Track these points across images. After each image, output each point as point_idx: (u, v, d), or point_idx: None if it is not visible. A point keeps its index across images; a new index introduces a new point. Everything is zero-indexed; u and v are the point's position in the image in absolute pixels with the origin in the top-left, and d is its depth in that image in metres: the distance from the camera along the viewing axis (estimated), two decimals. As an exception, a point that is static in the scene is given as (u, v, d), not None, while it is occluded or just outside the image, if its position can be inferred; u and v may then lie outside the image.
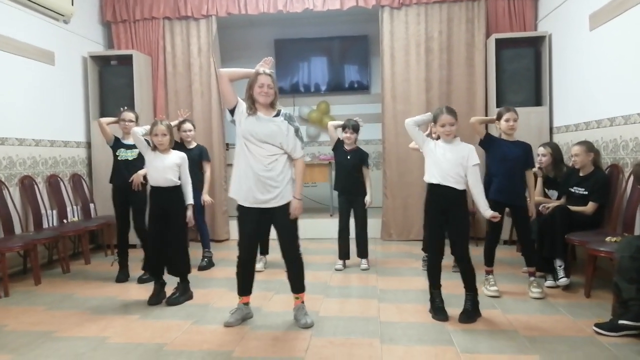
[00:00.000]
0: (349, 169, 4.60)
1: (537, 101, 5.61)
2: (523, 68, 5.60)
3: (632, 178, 3.71)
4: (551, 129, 5.51)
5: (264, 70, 3.08)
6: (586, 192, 4.02)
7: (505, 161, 3.65)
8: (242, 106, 3.12)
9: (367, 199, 4.58)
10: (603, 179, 4.03)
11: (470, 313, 3.24)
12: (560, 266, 3.83)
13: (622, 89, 4.08)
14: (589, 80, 4.62)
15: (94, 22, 6.29)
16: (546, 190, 4.53)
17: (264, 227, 3.31)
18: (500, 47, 5.65)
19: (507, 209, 3.79)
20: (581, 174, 4.10)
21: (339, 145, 4.67)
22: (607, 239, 3.50)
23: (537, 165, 4.45)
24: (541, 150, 4.50)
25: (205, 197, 4.71)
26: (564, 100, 5.24)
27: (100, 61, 6.14)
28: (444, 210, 3.24)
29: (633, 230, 3.67)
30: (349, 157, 4.60)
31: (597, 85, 4.48)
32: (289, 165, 3.17)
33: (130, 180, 4.27)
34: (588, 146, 4.09)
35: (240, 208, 3.19)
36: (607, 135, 4.31)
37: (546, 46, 5.50)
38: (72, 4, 5.58)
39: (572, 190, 4.13)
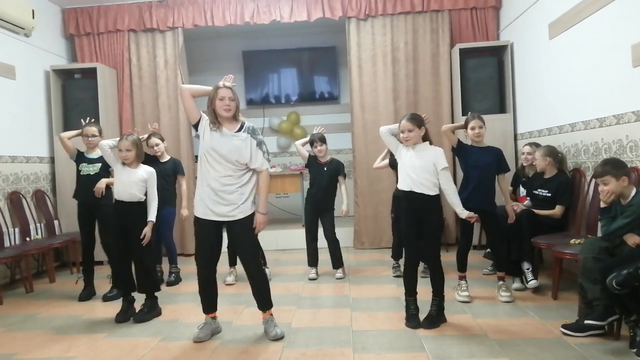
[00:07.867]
0: (326, 181, 4.55)
1: (501, 108, 5.73)
2: (487, 77, 5.72)
3: (594, 181, 3.81)
4: (515, 135, 5.63)
5: (223, 84, 3.07)
6: (549, 194, 4.11)
7: (476, 168, 3.69)
8: (206, 121, 3.08)
9: (344, 207, 4.52)
10: (566, 182, 4.12)
11: (434, 318, 3.26)
12: (528, 269, 3.90)
13: (581, 95, 4.20)
14: (550, 87, 4.74)
15: (57, 35, 6.16)
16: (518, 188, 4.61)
17: (221, 241, 3.22)
18: (464, 56, 5.76)
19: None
20: (545, 177, 4.19)
21: (312, 160, 4.63)
22: (572, 241, 3.58)
23: (523, 162, 4.54)
24: (527, 149, 4.50)
25: (184, 212, 4.68)
26: (526, 107, 5.37)
27: (64, 75, 6.01)
28: (419, 217, 3.25)
29: (596, 232, 3.76)
30: (325, 169, 4.57)
31: (557, 92, 4.61)
32: (252, 182, 3.12)
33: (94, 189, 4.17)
34: (547, 150, 4.16)
35: (197, 221, 3.14)
36: (568, 141, 4.43)
37: (508, 55, 5.64)
38: (33, 17, 5.45)
39: (536, 192, 4.22)
